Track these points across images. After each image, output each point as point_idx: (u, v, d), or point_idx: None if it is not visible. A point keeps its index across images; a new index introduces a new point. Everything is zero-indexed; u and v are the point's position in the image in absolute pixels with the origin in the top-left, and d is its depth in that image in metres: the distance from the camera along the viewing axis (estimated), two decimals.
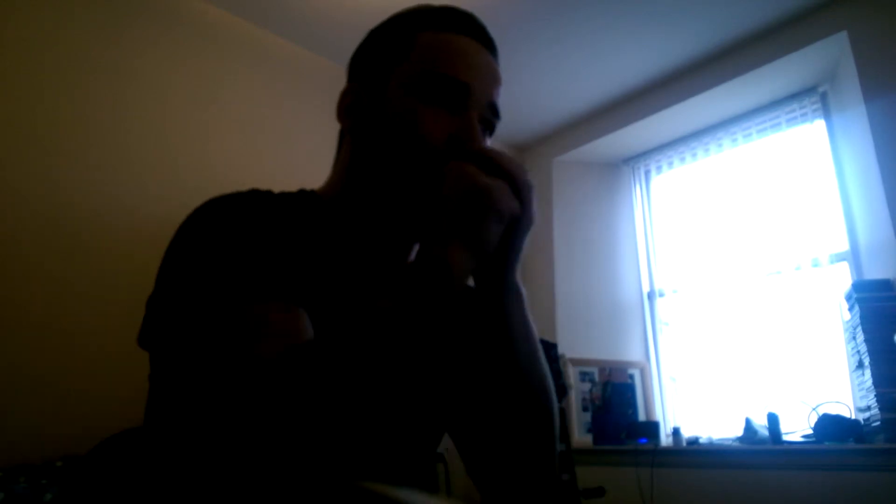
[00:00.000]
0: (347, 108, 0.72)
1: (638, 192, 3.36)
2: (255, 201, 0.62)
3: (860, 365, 2.08)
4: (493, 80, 0.70)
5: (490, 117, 0.69)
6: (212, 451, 0.52)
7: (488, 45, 0.71)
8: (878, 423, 1.94)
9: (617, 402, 2.83)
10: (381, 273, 0.70)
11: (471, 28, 0.70)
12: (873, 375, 1.97)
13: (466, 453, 0.73)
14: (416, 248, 0.73)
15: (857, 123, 2.37)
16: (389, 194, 0.66)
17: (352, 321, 0.53)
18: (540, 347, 0.69)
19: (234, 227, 0.58)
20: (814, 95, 2.69)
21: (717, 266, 2.86)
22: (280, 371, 0.49)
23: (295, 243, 0.62)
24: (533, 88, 3.00)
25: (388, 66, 0.68)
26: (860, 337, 2.05)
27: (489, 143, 0.72)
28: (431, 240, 0.57)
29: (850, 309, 2.17)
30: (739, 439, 2.35)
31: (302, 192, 0.72)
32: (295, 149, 2.54)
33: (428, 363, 0.55)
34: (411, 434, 0.68)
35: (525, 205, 0.61)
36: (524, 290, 0.68)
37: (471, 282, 0.67)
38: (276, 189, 0.69)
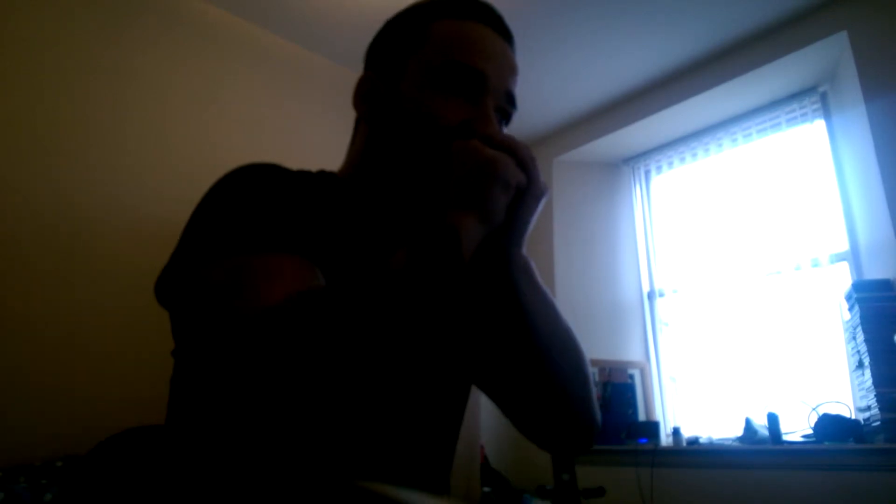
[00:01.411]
0: (364, 96, 0.72)
1: (638, 192, 3.36)
2: (280, 171, 0.65)
3: (860, 365, 2.08)
4: (510, 68, 0.70)
5: (506, 106, 0.70)
6: (219, 408, 0.53)
7: (504, 33, 0.71)
8: (878, 423, 1.94)
9: (617, 402, 2.82)
10: (393, 244, 0.71)
11: (487, 16, 0.70)
12: (873, 375, 1.97)
13: (501, 408, 0.75)
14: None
15: (857, 123, 2.37)
16: (403, 178, 0.67)
17: (362, 276, 0.53)
18: (557, 311, 0.69)
19: (259, 189, 0.60)
20: (814, 95, 2.69)
21: (716, 266, 2.86)
22: (284, 315, 0.49)
23: (315, 210, 0.63)
24: (533, 88, 2.99)
25: (404, 55, 0.68)
26: (860, 337, 2.05)
27: (505, 131, 0.72)
28: (441, 210, 0.59)
29: (850, 309, 2.17)
30: (739, 439, 2.35)
31: (322, 172, 0.74)
32: (295, 148, 2.54)
33: (437, 323, 0.56)
34: (419, 393, 0.68)
35: (531, 176, 0.62)
36: (532, 263, 0.68)
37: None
38: None
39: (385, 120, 0.69)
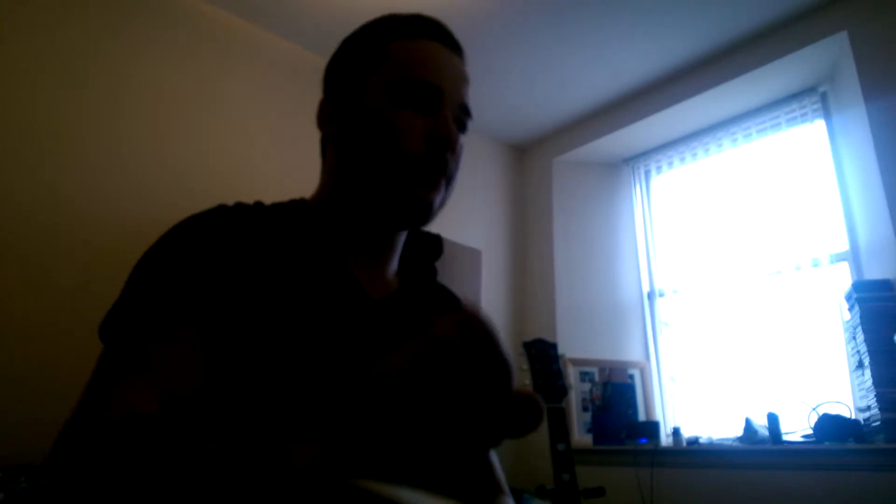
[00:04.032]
0: (328, 118, 0.76)
1: (638, 192, 3.36)
2: (233, 218, 0.66)
3: (860, 365, 2.08)
4: (463, 80, 0.75)
5: (461, 116, 0.74)
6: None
7: (455, 48, 0.76)
8: (878, 423, 1.94)
9: (617, 402, 2.82)
10: (359, 281, 0.71)
11: (438, 34, 0.74)
12: (873, 375, 1.97)
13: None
14: (398, 248, 0.77)
15: (857, 123, 2.37)
16: (372, 197, 0.70)
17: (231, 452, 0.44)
18: None
19: (195, 248, 0.61)
20: (814, 95, 2.69)
21: (717, 266, 2.86)
22: (116, 439, 0.48)
23: (268, 258, 0.65)
24: (533, 88, 3.00)
25: (363, 76, 0.73)
26: (860, 337, 2.05)
27: (462, 139, 0.76)
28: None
29: (850, 309, 2.17)
30: (739, 439, 2.35)
31: (292, 201, 0.76)
32: (295, 148, 2.54)
33: None
34: None
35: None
36: None
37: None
38: (272, 194, 0.71)
39: (351, 140, 0.72)
